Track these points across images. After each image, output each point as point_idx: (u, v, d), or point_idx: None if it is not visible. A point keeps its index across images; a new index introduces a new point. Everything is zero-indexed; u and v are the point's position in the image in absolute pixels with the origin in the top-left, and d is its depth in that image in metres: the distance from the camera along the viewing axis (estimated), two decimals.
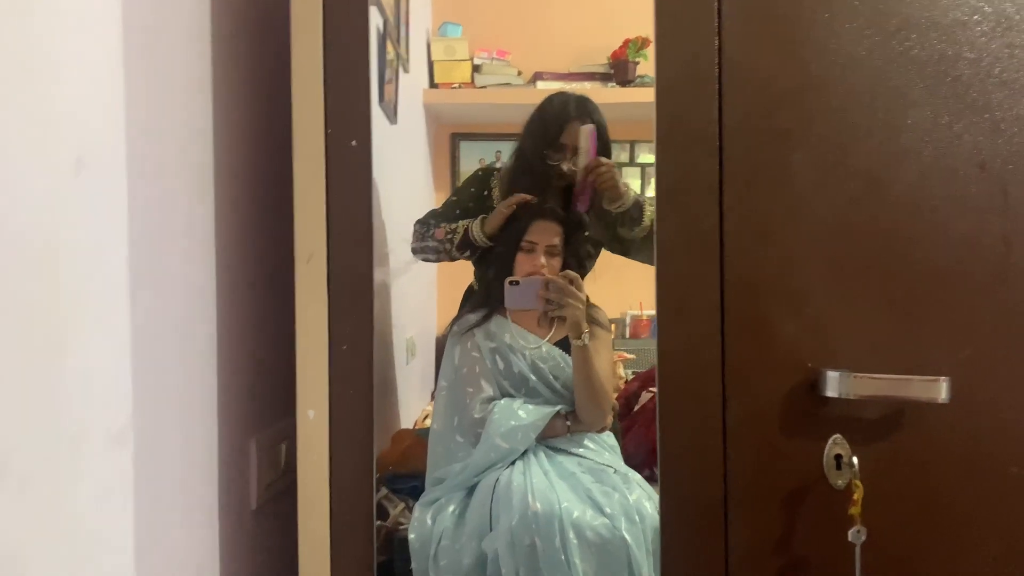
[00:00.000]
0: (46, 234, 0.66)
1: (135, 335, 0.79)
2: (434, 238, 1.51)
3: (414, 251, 1.53)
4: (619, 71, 2.34)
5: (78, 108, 0.71)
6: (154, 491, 0.83)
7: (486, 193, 1.59)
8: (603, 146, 1.52)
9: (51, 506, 0.67)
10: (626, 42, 2.35)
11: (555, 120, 1.51)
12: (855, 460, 0.92)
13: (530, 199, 1.47)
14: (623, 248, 1.53)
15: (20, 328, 0.63)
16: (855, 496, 0.91)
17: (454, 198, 1.63)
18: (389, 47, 1.73)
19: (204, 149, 0.95)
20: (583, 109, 1.54)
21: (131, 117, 0.78)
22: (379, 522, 1.07)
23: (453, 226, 1.49)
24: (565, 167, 1.47)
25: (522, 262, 1.46)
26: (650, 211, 1.49)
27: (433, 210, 1.56)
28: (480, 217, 1.48)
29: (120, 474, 0.78)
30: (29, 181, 0.64)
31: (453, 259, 1.51)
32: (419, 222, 1.54)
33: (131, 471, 0.79)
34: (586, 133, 1.52)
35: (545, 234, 1.48)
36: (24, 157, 0.63)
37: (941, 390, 0.91)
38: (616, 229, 1.50)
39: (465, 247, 1.49)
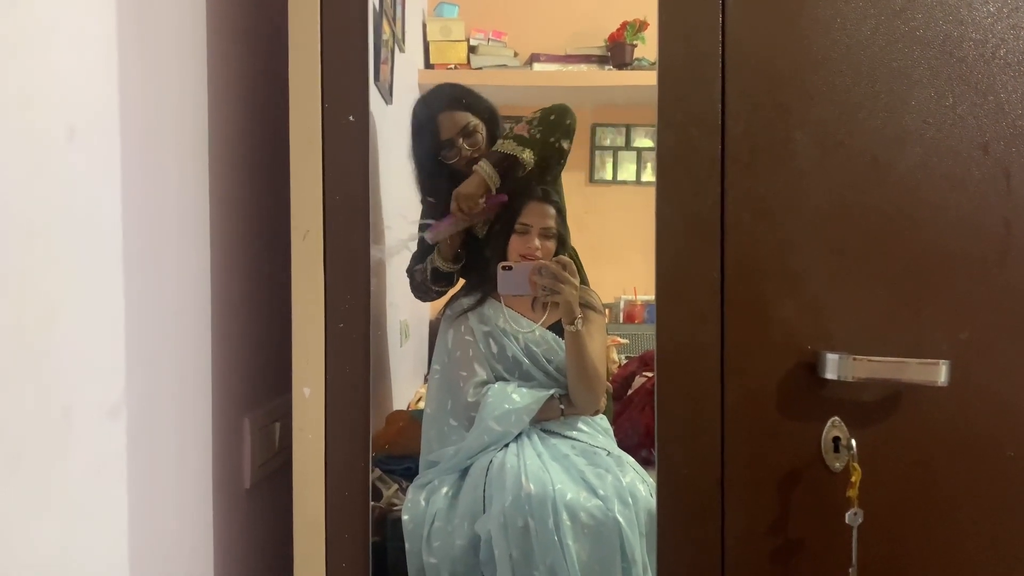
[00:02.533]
0: (37, 203, 0.65)
1: (128, 309, 0.78)
2: (418, 282, 1.47)
3: (418, 297, 1.51)
4: (616, 54, 2.32)
5: (70, 75, 0.69)
6: (147, 468, 0.82)
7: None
8: (492, 134, 1.46)
9: (42, 481, 0.66)
10: (624, 24, 2.34)
11: (427, 124, 1.46)
12: (853, 443, 0.92)
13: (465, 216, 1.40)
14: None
15: (9, 300, 0.61)
16: (853, 479, 0.91)
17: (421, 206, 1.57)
18: (385, 26, 1.71)
19: (199, 120, 0.94)
20: (442, 97, 1.52)
21: (124, 86, 0.76)
22: (373, 503, 1.06)
23: (421, 266, 1.45)
24: (466, 155, 1.42)
25: (516, 244, 1.45)
26: (528, 154, 1.43)
27: (412, 256, 1.50)
28: (436, 248, 1.44)
29: (113, 450, 0.77)
30: (20, 149, 0.62)
31: (443, 293, 1.49)
32: (408, 270, 1.50)
33: (124, 447, 0.78)
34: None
35: (539, 216, 1.47)
36: (15, 124, 0.62)
37: (940, 373, 0.90)
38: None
39: (441, 279, 1.47)
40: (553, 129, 1.47)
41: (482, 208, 1.40)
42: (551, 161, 1.46)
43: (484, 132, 1.45)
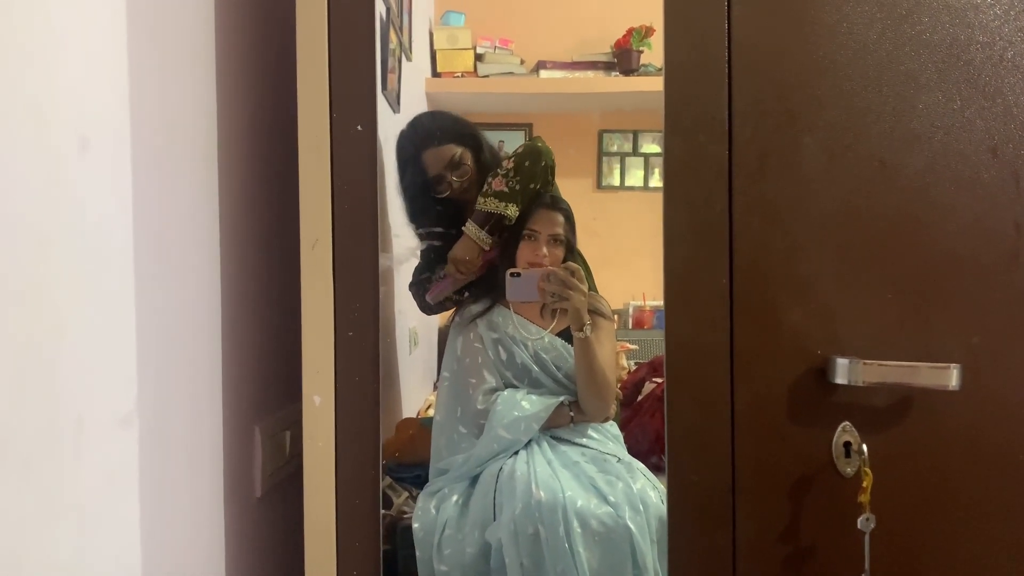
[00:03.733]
0: (50, 214, 0.65)
1: (139, 318, 0.78)
2: (423, 294, 1.49)
3: (425, 311, 1.51)
4: (623, 60, 2.33)
5: (82, 87, 0.70)
6: (159, 476, 0.83)
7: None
8: (478, 158, 1.48)
9: (54, 489, 0.66)
10: (630, 31, 2.34)
11: (414, 163, 1.46)
12: (864, 448, 0.91)
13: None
14: None
15: (22, 310, 0.62)
16: (864, 484, 0.90)
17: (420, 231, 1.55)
18: (392, 35, 1.71)
19: (209, 132, 0.94)
20: (423, 133, 1.51)
21: (135, 98, 0.77)
22: (383, 511, 1.06)
23: (439, 274, 1.46)
24: (456, 187, 1.44)
25: (524, 250, 1.45)
26: (493, 203, 1.44)
27: (416, 269, 1.52)
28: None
29: (125, 459, 0.77)
30: (32, 160, 0.63)
31: (456, 303, 1.50)
32: (411, 286, 1.50)
33: (136, 456, 0.78)
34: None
35: (548, 223, 1.47)
36: (28, 136, 0.62)
37: (951, 377, 0.90)
38: None
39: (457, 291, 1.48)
40: (531, 177, 1.48)
41: (478, 266, 1.42)
42: (536, 198, 1.47)
43: (471, 159, 1.46)
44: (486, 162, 1.48)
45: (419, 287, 1.53)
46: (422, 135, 1.51)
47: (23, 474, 0.62)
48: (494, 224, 1.39)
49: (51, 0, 0.65)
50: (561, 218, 1.49)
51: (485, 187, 1.44)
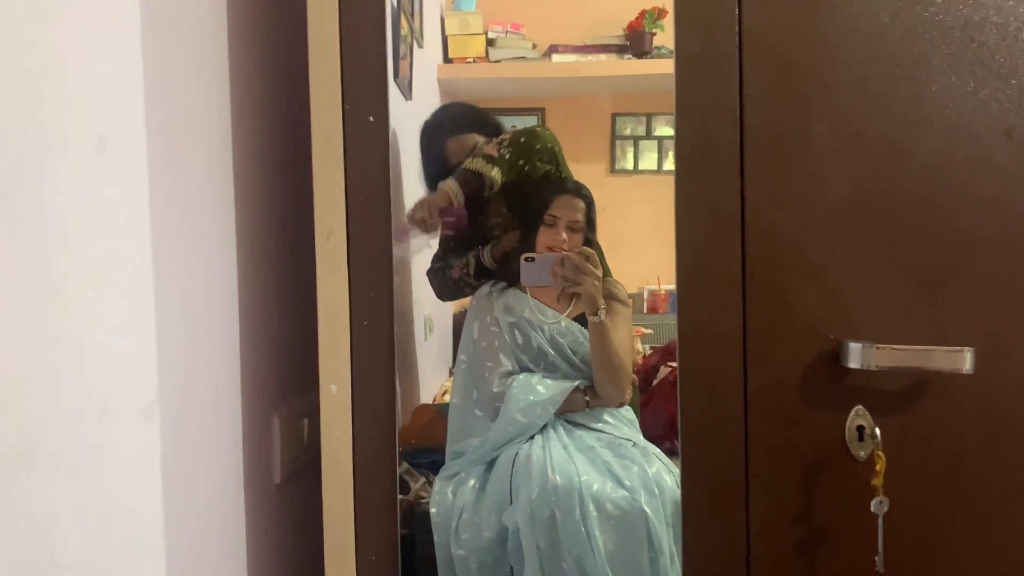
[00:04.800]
0: (71, 211, 0.67)
1: (159, 312, 0.80)
2: (452, 279, 1.51)
3: (443, 297, 1.53)
4: (635, 43, 2.31)
5: (100, 87, 0.71)
6: (181, 465, 0.84)
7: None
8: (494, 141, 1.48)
9: (81, 480, 0.68)
10: (642, 13, 2.32)
11: (436, 151, 1.48)
12: (877, 431, 0.92)
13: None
14: None
15: (47, 306, 0.64)
16: (877, 467, 0.90)
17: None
18: (403, 22, 1.71)
19: (223, 127, 0.95)
20: (446, 122, 1.54)
21: (150, 96, 0.78)
22: (400, 496, 1.08)
23: (463, 260, 1.48)
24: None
25: (543, 236, 1.46)
26: (480, 162, 1.45)
27: (434, 256, 1.53)
28: (490, 244, 1.48)
29: (148, 449, 0.79)
30: (54, 159, 0.64)
31: (476, 289, 1.52)
32: (429, 272, 1.53)
33: (158, 446, 0.80)
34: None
35: (568, 209, 1.48)
36: (49, 136, 0.64)
37: (965, 360, 0.90)
38: None
39: (481, 274, 1.50)
40: (522, 152, 1.49)
41: (439, 221, 1.41)
42: (526, 183, 1.47)
43: None
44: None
45: (436, 274, 1.55)
46: (445, 125, 1.54)
47: (52, 465, 0.64)
48: (473, 184, 1.39)
49: (71, 5, 0.66)
50: (582, 204, 1.50)
51: (475, 148, 1.45)
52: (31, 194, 0.62)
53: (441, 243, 1.61)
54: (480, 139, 1.47)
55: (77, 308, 0.67)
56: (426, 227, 1.42)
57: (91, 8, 0.70)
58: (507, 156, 1.46)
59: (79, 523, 0.68)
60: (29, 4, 0.62)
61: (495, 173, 1.43)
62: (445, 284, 1.54)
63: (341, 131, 0.94)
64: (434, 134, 1.50)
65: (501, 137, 1.48)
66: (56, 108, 0.65)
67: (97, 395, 0.70)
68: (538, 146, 1.50)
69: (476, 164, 1.44)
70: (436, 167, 1.47)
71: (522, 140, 1.48)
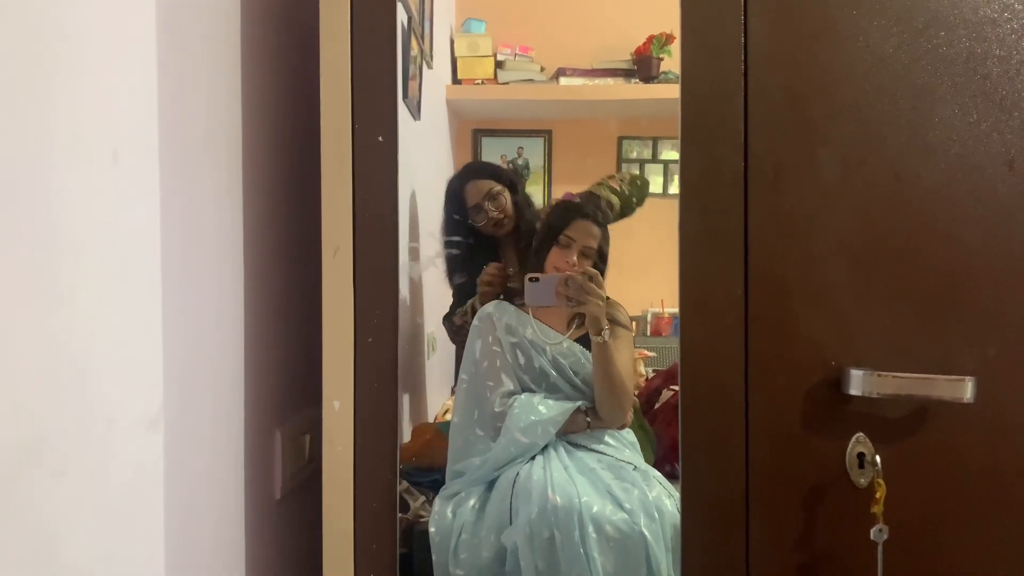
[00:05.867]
0: (83, 223, 0.68)
1: (165, 325, 0.81)
2: (456, 326, 1.62)
3: (456, 343, 1.64)
4: (643, 67, 2.33)
5: (114, 103, 0.72)
6: (183, 478, 0.85)
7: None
8: (515, 200, 1.66)
9: (86, 488, 0.69)
10: (650, 38, 2.35)
11: (456, 196, 1.65)
12: (878, 459, 0.92)
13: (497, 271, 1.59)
14: None
15: (56, 315, 0.64)
16: (877, 495, 0.90)
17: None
18: (413, 43, 1.74)
19: (233, 144, 0.97)
20: (466, 171, 1.73)
21: (163, 112, 0.79)
22: (400, 515, 1.08)
23: (463, 308, 1.60)
24: (492, 216, 1.61)
25: (555, 256, 1.47)
26: (608, 190, 1.67)
27: (452, 307, 1.67)
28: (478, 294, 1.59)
29: (152, 461, 0.79)
30: (68, 172, 0.65)
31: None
32: (445, 319, 1.65)
33: (162, 458, 0.80)
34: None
35: (584, 234, 1.49)
36: (65, 149, 0.65)
37: (966, 389, 0.90)
38: None
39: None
40: (636, 192, 1.70)
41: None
42: (620, 212, 1.66)
43: (508, 196, 1.63)
44: (522, 205, 1.66)
45: (446, 322, 1.66)
46: (467, 172, 1.72)
47: (57, 474, 0.65)
48: (599, 207, 1.60)
49: (84, 20, 0.68)
50: (598, 231, 1.51)
51: (602, 180, 1.72)
52: (45, 205, 0.63)
53: (456, 292, 1.71)
54: (497, 186, 1.63)
55: (85, 318, 0.68)
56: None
57: (107, 25, 0.72)
58: (626, 192, 1.68)
59: (82, 531, 0.68)
60: (47, 19, 0.63)
61: (615, 201, 1.63)
62: (453, 331, 1.62)
63: (350, 150, 0.95)
64: (456, 180, 1.67)
65: (621, 175, 1.74)
66: (72, 122, 0.66)
67: (103, 404, 0.71)
68: (645, 193, 1.70)
69: (603, 191, 1.65)
70: (454, 208, 1.64)
71: (638, 183, 1.71)
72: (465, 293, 1.64)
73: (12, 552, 0.60)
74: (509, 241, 1.63)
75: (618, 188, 1.65)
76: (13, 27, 0.59)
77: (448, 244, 1.68)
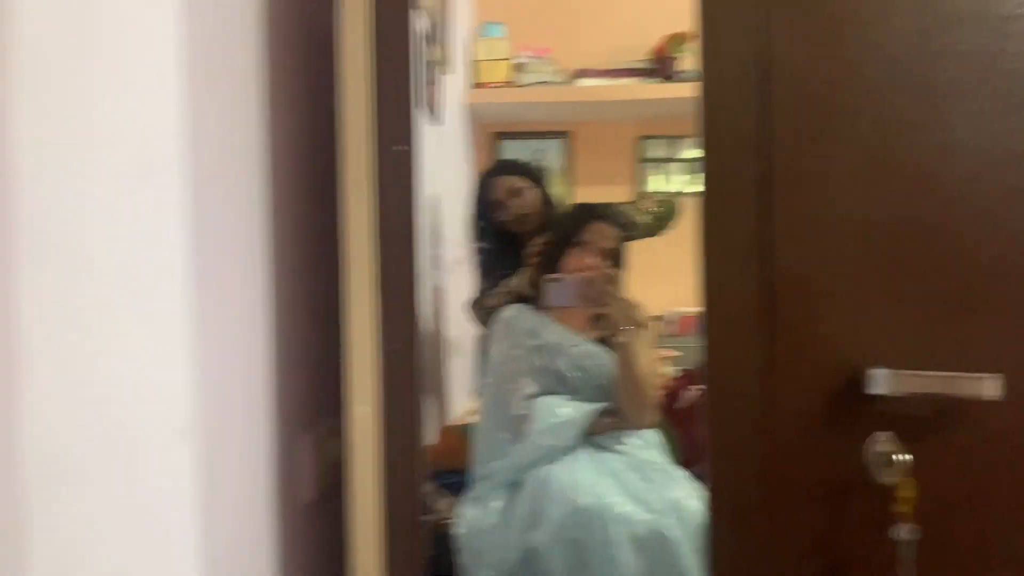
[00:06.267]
0: (115, 236, 0.69)
1: (195, 334, 0.82)
2: (490, 307, 1.68)
3: (483, 327, 1.70)
4: (662, 66, 2.33)
5: (143, 117, 0.74)
6: (213, 484, 0.86)
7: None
8: (544, 195, 1.77)
9: (117, 497, 0.70)
10: (668, 37, 2.34)
11: (484, 189, 1.73)
12: (903, 458, 0.91)
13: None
14: None
15: (88, 327, 0.66)
16: (903, 494, 0.90)
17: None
18: (431, 49, 1.75)
19: (257, 155, 0.98)
20: (497, 167, 1.83)
21: (192, 127, 0.81)
22: (426, 517, 1.09)
23: (501, 288, 1.68)
24: (514, 210, 1.70)
25: (572, 257, 1.48)
26: (640, 213, 1.77)
27: (479, 290, 1.76)
28: (524, 271, 1.65)
29: (183, 467, 0.81)
30: (98, 186, 0.67)
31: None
32: (471, 305, 1.72)
33: (192, 465, 0.82)
34: None
35: (601, 236, 1.50)
36: (93, 163, 0.67)
37: (991, 387, 0.89)
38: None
39: (520, 301, 1.67)
40: (667, 214, 1.82)
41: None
42: (642, 231, 1.76)
43: (533, 195, 1.70)
44: (548, 201, 1.73)
45: (476, 307, 1.73)
46: (496, 167, 1.81)
47: (89, 484, 0.66)
48: (623, 223, 1.65)
49: (112, 35, 0.70)
50: (614, 232, 1.52)
51: (634, 199, 1.94)
52: (77, 218, 0.64)
53: (481, 277, 1.72)
54: (522, 183, 1.69)
55: (116, 329, 0.70)
56: None
57: (136, 43, 0.73)
58: (656, 213, 1.78)
59: (115, 540, 0.70)
60: (76, 36, 0.65)
61: (643, 221, 1.74)
62: (484, 313, 1.63)
63: (371, 159, 0.96)
64: (485, 175, 1.74)
65: (655, 197, 1.91)
66: (101, 136, 0.68)
67: (133, 415, 0.73)
68: (673, 217, 1.80)
69: (633, 211, 1.75)
70: (481, 202, 1.72)
71: (669, 208, 1.80)
72: (491, 277, 1.70)
73: (46, 564, 0.61)
74: (531, 234, 1.64)
75: (650, 210, 1.75)
76: (45, 45, 0.61)
77: (476, 237, 1.74)
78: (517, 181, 1.67)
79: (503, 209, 1.67)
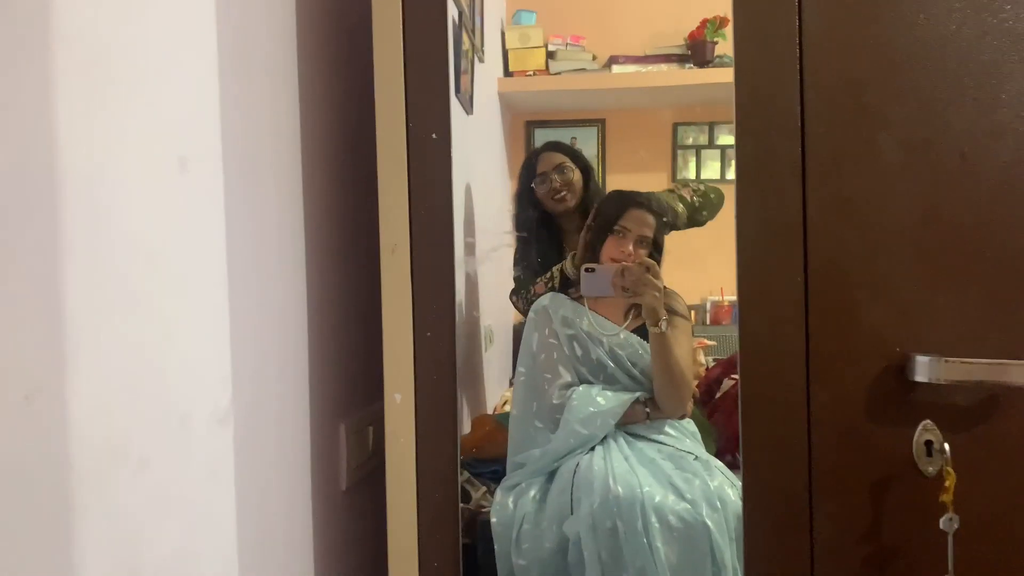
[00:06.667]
0: (155, 229, 0.71)
1: (233, 324, 0.84)
2: (537, 294, 1.64)
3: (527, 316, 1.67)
4: (697, 52, 2.30)
5: (180, 112, 0.75)
6: (253, 471, 0.88)
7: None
8: (586, 183, 1.73)
9: (165, 483, 0.72)
10: (704, 22, 2.31)
11: (529, 162, 1.70)
12: (947, 447, 0.89)
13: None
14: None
15: (133, 318, 0.68)
16: (947, 483, 0.88)
17: (524, 247, 1.80)
18: (464, 38, 1.75)
19: (293, 146, 0.99)
20: (546, 144, 1.79)
21: (226, 119, 0.82)
22: (462, 505, 1.10)
23: (547, 276, 1.63)
24: (555, 186, 1.66)
25: (610, 246, 1.47)
26: (677, 199, 1.70)
27: (516, 279, 1.72)
28: (570, 255, 1.60)
29: (224, 455, 0.82)
30: (140, 180, 0.68)
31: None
32: (513, 293, 1.69)
33: (233, 452, 0.84)
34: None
35: (639, 223, 1.49)
36: (135, 158, 0.68)
37: None
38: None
39: (566, 286, 1.62)
40: (707, 205, 1.74)
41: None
42: (686, 221, 1.71)
43: (578, 177, 1.68)
44: (591, 189, 1.68)
45: (521, 295, 1.71)
46: (546, 145, 1.77)
47: (139, 471, 0.68)
48: (663, 212, 1.62)
49: (149, 31, 0.71)
50: (652, 220, 1.50)
51: (674, 187, 1.78)
52: (119, 213, 0.66)
53: (520, 265, 1.73)
54: (569, 163, 1.68)
55: (159, 320, 0.71)
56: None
57: (174, 42, 0.74)
58: (696, 204, 1.73)
59: (164, 523, 0.72)
60: (114, 33, 0.66)
61: (680, 209, 1.67)
62: (529, 303, 1.63)
63: (405, 148, 0.97)
64: (535, 151, 1.73)
65: (695, 186, 1.79)
66: (141, 132, 0.69)
67: (178, 402, 0.74)
68: (719, 206, 1.72)
69: (671, 199, 1.70)
70: (526, 175, 1.69)
71: (712, 197, 1.72)
72: (533, 264, 1.68)
73: (101, 547, 0.63)
74: (572, 222, 1.63)
75: (688, 199, 1.69)
76: (84, 42, 0.62)
77: (519, 220, 1.72)
78: (561, 158, 1.68)
79: (543, 183, 1.67)
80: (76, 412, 0.60)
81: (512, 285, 1.71)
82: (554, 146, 1.76)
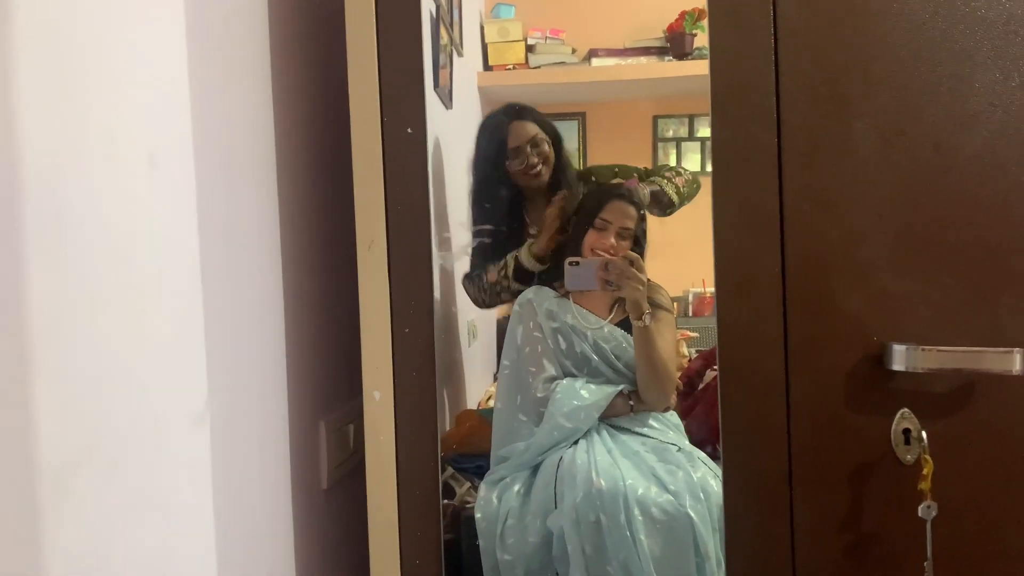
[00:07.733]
0: (124, 225, 0.69)
1: (208, 321, 0.83)
2: (489, 283, 1.53)
3: (479, 304, 1.56)
4: (676, 44, 2.30)
5: (149, 107, 0.74)
6: (231, 471, 0.87)
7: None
8: (558, 154, 1.60)
9: (137, 486, 0.71)
10: (682, 14, 2.31)
11: (497, 131, 1.55)
12: (924, 435, 0.90)
13: (563, 199, 1.53)
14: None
15: (101, 318, 0.66)
16: (925, 471, 0.89)
17: (481, 227, 1.64)
18: (443, 32, 1.74)
19: (268, 141, 0.98)
20: (514, 109, 1.61)
21: (198, 112, 0.81)
22: (446, 501, 1.09)
23: (501, 263, 1.51)
24: (532, 162, 1.52)
25: (591, 239, 1.46)
26: (673, 188, 1.61)
27: (471, 264, 1.57)
28: (527, 243, 1.50)
29: (200, 455, 0.82)
30: (107, 177, 0.67)
31: (515, 293, 1.54)
32: (466, 278, 1.55)
33: (209, 452, 0.83)
34: None
35: (620, 215, 1.48)
36: (102, 153, 0.67)
37: (1015, 362, 0.88)
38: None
39: (520, 276, 1.52)
40: (692, 193, 1.65)
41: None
42: (663, 207, 1.64)
43: (551, 150, 1.54)
44: (563, 164, 1.55)
45: (473, 281, 1.58)
46: (514, 109, 1.60)
47: (111, 472, 0.67)
48: (661, 199, 1.56)
49: (117, 25, 0.70)
50: (634, 212, 1.50)
51: (667, 174, 1.67)
52: (86, 209, 0.65)
53: (477, 251, 1.63)
54: (543, 135, 1.54)
55: (130, 319, 0.70)
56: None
57: (142, 33, 0.73)
58: (683, 192, 1.65)
59: (135, 525, 0.71)
60: (81, 26, 0.65)
61: (675, 199, 1.60)
62: (482, 290, 1.56)
63: (380, 143, 0.96)
64: (501, 114, 1.57)
65: (683, 174, 1.71)
66: (108, 127, 0.68)
67: (150, 403, 0.73)
68: (695, 194, 1.66)
69: (667, 187, 1.62)
70: (493, 146, 1.52)
71: (695, 185, 1.66)
72: (487, 250, 1.53)
73: (69, 550, 0.62)
74: (539, 196, 1.54)
75: (681, 188, 1.63)
76: (49, 35, 0.61)
77: (478, 187, 1.56)
78: (534, 128, 1.54)
79: (517, 157, 1.52)
80: (41, 413, 0.59)
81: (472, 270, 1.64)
82: (522, 112, 1.60)
